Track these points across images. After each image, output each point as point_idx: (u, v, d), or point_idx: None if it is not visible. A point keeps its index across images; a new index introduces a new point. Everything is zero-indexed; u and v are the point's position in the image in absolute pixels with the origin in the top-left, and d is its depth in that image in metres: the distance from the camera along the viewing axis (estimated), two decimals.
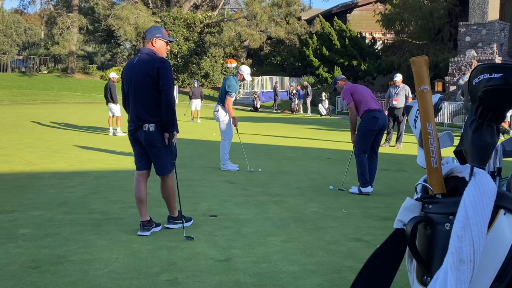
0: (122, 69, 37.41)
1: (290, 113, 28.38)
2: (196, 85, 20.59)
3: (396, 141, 12.19)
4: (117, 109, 13.92)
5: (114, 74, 14.43)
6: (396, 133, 12.35)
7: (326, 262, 3.83)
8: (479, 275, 1.57)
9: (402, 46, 32.25)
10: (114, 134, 13.88)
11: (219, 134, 8.46)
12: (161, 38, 4.54)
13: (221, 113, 8.11)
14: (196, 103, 19.89)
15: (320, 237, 4.49)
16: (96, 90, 37.28)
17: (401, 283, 3.21)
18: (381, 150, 10.71)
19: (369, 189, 6.48)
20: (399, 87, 11.86)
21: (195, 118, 19.90)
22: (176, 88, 26.09)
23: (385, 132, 12.37)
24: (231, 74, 33.47)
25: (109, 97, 13.83)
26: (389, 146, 12.19)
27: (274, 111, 29.92)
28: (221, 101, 8.16)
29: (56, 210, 5.36)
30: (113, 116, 14.11)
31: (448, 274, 1.54)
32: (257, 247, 4.16)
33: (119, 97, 16.55)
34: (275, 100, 30.39)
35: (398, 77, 11.93)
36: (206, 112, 23.64)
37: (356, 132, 6.66)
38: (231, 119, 8.12)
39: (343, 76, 7.12)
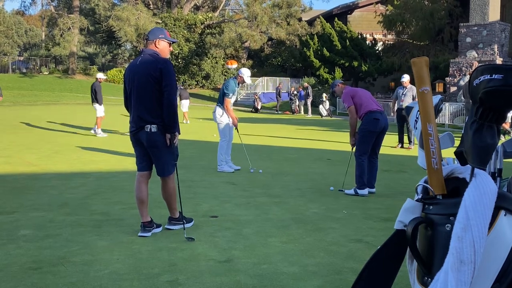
0: (122, 70, 37.21)
1: (290, 114, 28.37)
2: (181, 86, 20.50)
3: (409, 142, 12.12)
4: (100, 109, 13.85)
5: (101, 75, 14.42)
6: (407, 134, 12.32)
7: (326, 263, 3.83)
8: (479, 276, 1.57)
9: (402, 47, 32.26)
10: (95, 133, 13.76)
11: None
12: (163, 39, 4.57)
13: (218, 114, 8.16)
14: (186, 104, 19.81)
15: (320, 238, 4.49)
16: None
17: (401, 284, 3.21)
18: (382, 151, 10.69)
19: (365, 191, 6.48)
20: (406, 87, 11.77)
21: (187, 119, 19.76)
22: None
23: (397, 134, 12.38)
24: (232, 75, 33.55)
25: (94, 98, 13.77)
26: (400, 147, 12.09)
27: (277, 112, 29.85)
28: (219, 102, 8.22)
29: (57, 211, 5.36)
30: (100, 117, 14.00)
31: (448, 275, 1.54)
32: (257, 248, 4.16)
33: (109, 97, 16.37)
34: (278, 101, 30.35)
35: (406, 78, 11.82)
36: (206, 113, 23.65)
37: (356, 134, 6.68)
38: (230, 120, 8.17)
39: (341, 81, 7.17)
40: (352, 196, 6.44)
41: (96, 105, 13.83)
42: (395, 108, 12.33)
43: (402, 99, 11.74)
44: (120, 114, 20.57)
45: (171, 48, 4.71)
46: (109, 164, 8.84)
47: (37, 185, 6.80)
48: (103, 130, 14.13)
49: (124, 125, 14.76)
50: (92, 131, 13.99)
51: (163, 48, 4.57)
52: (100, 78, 14.18)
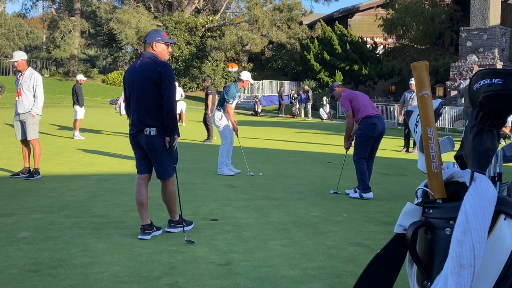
0: (123, 73, 37.08)
1: (291, 117, 28.37)
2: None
3: (414, 146, 12.00)
4: (81, 112, 13.78)
5: (81, 76, 14.36)
6: (413, 138, 12.22)
7: (326, 266, 3.83)
8: (479, 280, 1.57)
9: (403, 50, 32.31)
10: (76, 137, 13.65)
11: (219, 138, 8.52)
12: (161, 41, 4.52)
13: (217, 117, 8.20)
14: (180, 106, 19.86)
15: (321, 242, 4.49)
16: (98, 93, 37.34)
17: None
18: (383, 154, 10.72)
19: (370, 194, 6.48)
20: (414, 91, 11.69)
21: (184, 121, 19.67)
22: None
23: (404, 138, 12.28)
24: (233, 78, 33.61)
25: (75, 100, 13.75)
26: (405, 152, 12.02)
27: (281, 115, 29.73)
28: (219, 105, 8.27)
29: (57, 213, 5.36)
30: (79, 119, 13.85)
31: (448, 279, 1.54)
32: (257, 251, 4.16)
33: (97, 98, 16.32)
34: (281, 104, 30.31)
35: (413, 81, 11.64)
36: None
37: (353, 138, 6.73)
38: (231, 124, 8.21)
39: (340, 83, 7.13)
40: (352, 200, 6.44)
41: (77, 107, 13.73)
42: (403, 111, 12.28)
43: (410, 103, 11.67)
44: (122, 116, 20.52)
45: (169, 49, 4.66)
46: (109, 166, 8.84)
47: (37, 187, 6.80)
48: (81, 130, 14.02)
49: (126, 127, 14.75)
50: (75, 137, 13.62)
51: (161, 50, 4.52)
52: (80, 80, 14.15)
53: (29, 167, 7.60)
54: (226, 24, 41.46)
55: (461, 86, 22.52)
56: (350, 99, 6.63)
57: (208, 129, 13.68)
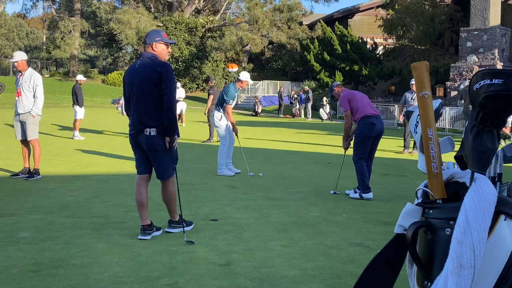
0: (123, 73, 37.15)
1: (291, 118, 28.37)
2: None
3: (414, 147, 11.95)
4: (80, 112, 13.76)
5: (81, 77, 14.38)
6: (413, 139, 12.15)
7: (327, 267, 3.83)
8: (479, 281, 1.57)
9: (403, 51, 32.33)
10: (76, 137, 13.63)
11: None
12: (161, 42, 4.51)
13: (217, 118, 8.20)
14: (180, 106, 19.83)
15: (321, 242, 4.49)
16: (98, 94, 37.34)
17: None
18: (383, 154, 10.73)
19: (370, 195, 6.48)
20: (415, 92, 11.64)
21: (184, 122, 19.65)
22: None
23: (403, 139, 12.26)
24: (233, 78, 33.61)
25: (75, 100, 13.75)
26: (408, 153, 11.96)
27: (281, 115, 29.73)
28: (218, 106, 8.26)
29: (57, 213, 5.36)
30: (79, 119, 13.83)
31: (448, 280, 1.54)
32: (257, 252, 4.16)
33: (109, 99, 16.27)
34: (280, 105, 30.31)
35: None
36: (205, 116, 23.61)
37: (352, 138, 6.74)
38: (230, 125, 8.21)
39: (339, 83, 7.13)
40: (352, 200, 6.44)
41: (77, 107, 13.73)
42: (403, 112, 12.26)
43: (411, 104, 11.65)
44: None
45: (169, 50, 4.65)
46: (109, 166, 8.84)
47: (37, 188, 6.80)
48: (81, 131, 14.00)
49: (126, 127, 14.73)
50: (75, 137, 13.62)
51: (161, 50, 4.52)
52: (80, 80, 14.18)
53: (29, 168, 7.60)
54: (226, 24, 41.47)
55: (461, 86, 22.53)
56: (348, 99, 6.64)
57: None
